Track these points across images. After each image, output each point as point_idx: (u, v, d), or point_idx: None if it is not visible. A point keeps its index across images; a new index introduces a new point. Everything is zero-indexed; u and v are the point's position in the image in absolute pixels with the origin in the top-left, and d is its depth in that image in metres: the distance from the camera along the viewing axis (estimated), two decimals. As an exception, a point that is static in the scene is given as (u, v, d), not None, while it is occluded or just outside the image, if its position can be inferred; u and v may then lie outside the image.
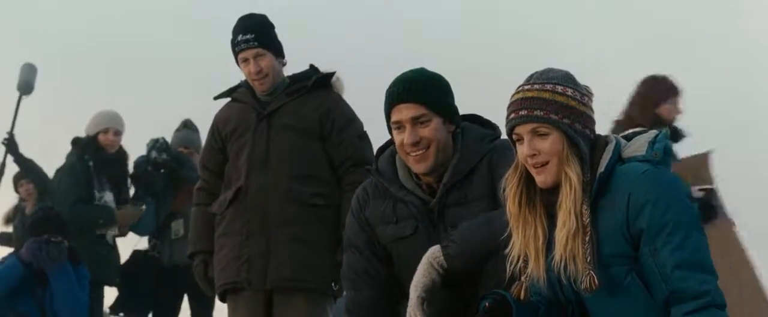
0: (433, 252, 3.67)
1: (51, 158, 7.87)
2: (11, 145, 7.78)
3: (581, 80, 3.28)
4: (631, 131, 3.37)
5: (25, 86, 7.79)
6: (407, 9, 12.62)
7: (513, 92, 3.25)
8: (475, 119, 3.94)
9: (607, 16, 12.87)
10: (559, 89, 3.19)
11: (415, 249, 3.74)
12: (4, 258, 7.09)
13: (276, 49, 5.19)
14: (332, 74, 5.29)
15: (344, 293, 4.05)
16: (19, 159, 7.86)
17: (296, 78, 5.26)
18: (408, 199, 3.80)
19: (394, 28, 12.16)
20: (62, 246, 6.81)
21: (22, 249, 6.84)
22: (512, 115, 3.20)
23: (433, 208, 3.77)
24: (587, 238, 3.11)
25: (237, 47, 5.13)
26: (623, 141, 3.28)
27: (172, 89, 11.59)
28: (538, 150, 3.17)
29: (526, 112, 3.17)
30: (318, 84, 5.22)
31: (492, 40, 11.95)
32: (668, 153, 3.24)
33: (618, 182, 3.15)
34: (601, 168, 3.17)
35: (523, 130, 3.19)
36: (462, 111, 3.90)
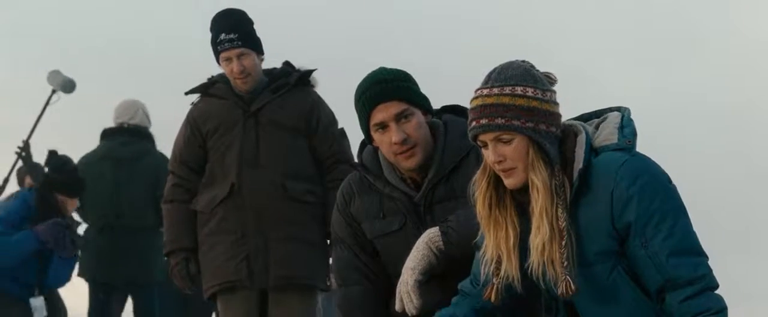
0: (431, 236, 3.66)
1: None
2: (26, 152, 7.59)
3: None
4: (588, 112, 3.30)
5: (69, 84, 7.31)
6: (397, 3, 12.63)
7: (473, 94, 3.16)
8: (456, 109, 3.93)
9: (602, 14, 12.89)
10: (519, 90, 3.09)
11: (402, 244, 3.75)
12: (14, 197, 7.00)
13: (257, 48, 5.20)
14: (312, 72, 5.32)
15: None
16: (31, 166, 7.76)
17: (274, 75, 5.28)
18: (394, 195, 3.80)
19: (378, 23, 12.17)
20: (77, 241, 6.85)
21: (40, 225, 6.77)
22: (473, 123, 3.12)
23: (419, 203, 3.77)
24: (563, 242, 3.06)
25: (219, 46, 5.12)
26: (591, 129, 3.21)
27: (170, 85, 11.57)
28: (503, 156, 3.10)
29: (486, 120, 3.09)
30: (299, 82, 5.25)
31: (484, 39, 11.96)
32: (635, 134, 3.19)
33: (597, 177, 3.10)
34: (580, 164, 3.10)
35: (485, 138, 3.11)
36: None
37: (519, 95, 3.08)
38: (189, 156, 5.25)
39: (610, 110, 3.30)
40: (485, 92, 3.11)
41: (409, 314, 3.65)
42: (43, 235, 6.70)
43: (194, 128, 5.24)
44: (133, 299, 7.53)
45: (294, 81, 5.23)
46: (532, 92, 3.09)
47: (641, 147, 3.21)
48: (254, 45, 5.17)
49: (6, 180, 7.69)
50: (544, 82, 3.15)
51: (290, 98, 5.21)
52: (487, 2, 12.82)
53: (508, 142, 3.09)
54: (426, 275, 3.64)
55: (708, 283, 3.05)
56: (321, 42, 11.28)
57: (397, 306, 3.67)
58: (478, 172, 3.23)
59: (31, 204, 6.83)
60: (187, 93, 5.34)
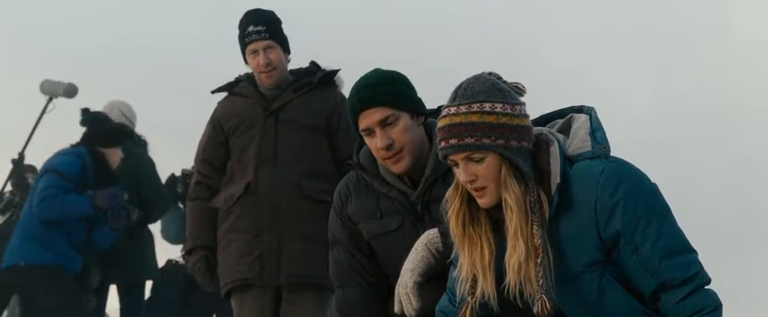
0: (431, 237, 3.65)
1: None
2: (19, 165, 7.64)
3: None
4: (548, 113, 3.25)
5: (72, 88, 7.28)
6: (395, 10, 12.66)
7: (441, 113, 3.08)
8: None
9: (602, 14, 12.91)
10: (487, 107, 3.01)
11: (400, 243, 3.74)
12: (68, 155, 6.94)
13: (284, 44, 5.23)
14: (337, 72, 5.32)
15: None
16: (20, 183, 7.75)
17: (299, 74, 5.30)
18: (391, 194, 3.80)
19: (385, 28, 12.19)
20: (131, 212, 6.90)
21: (100, 193, 6.77)
22: (442, 143, 3.05)
23: (416, 202, 3.76)
24: (539, 260, 3.00)
25: (247, 38, 5.15)
26: (561, 137, 3.15)
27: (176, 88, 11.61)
28: (475, 175, 3.04)
29: (455, 140, 3.01)
30: (323, 81, 5.26)
31: (474, 41, 11.99)
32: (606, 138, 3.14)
33: (577, 188, 3.05)
34: (557, 178, 3.03)
35: (456, 158, 3.05)
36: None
37: (487, 112, 3.01)
38: (211, 154, 5.28)
39: (572, 109, 3.25)
40: (452, 110, 3.05)
41: (408, 316, 3.64)
42: (100, 202, 6.75)
43: (217, 127, 5.27)
44: (120, 299, 7.54)
45: (317, 80, 5.24)
46: (501, 108, 3.03)
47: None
48: (281, 40, 5.20)
49: (3, 187, 7.72)
50: (513, 95, 3.08)
51: (313, 97, 5.21)
52: (487, 2, 12.84)
53: (479, 161, 3.02)
54: (425, 276, 3.63)
55: (701, 280, 3.04)
56: (343, 43, 11.31)
57: (396, 308, 3.67)
58: (450, 190, 3.17)
59: (86, 161, 6.84)
60: (213, 92, 5.36)
